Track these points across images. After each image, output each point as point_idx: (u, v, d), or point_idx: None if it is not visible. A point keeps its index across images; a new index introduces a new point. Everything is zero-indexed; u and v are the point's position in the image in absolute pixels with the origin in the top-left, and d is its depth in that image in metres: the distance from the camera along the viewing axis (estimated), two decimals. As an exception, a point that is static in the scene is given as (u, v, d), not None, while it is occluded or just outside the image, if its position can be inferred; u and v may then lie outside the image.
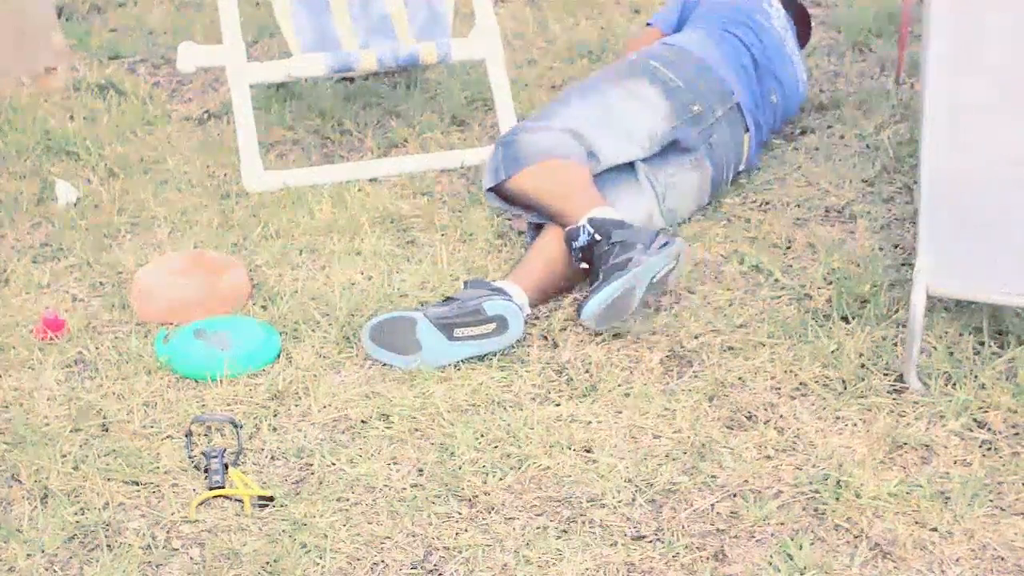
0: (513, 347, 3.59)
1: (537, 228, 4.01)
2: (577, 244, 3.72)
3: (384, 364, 3.55)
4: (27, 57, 5.29)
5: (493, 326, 3.54)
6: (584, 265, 3.74)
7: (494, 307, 3.54)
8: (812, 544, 2.89)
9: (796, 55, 4.72)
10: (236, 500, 3.08)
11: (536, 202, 3.91)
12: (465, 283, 3.72)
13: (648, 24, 4.96)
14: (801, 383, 3.43)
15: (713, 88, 4.27)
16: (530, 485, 3.11)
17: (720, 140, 4.23)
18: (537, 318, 3.72)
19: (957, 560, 2.86)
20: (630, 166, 4.06)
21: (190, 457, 3.23)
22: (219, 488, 3.10)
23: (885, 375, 3.44)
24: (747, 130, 4.35)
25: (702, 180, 4.19)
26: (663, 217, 4.09)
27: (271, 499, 3.08)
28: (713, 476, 3.12)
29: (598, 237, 3.69)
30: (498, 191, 4.03)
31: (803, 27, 4.97)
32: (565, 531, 2.97)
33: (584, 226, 3.71)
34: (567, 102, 4.13)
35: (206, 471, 3.16)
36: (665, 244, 3.65)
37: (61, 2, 6.07)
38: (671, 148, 4.13)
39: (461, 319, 3.52)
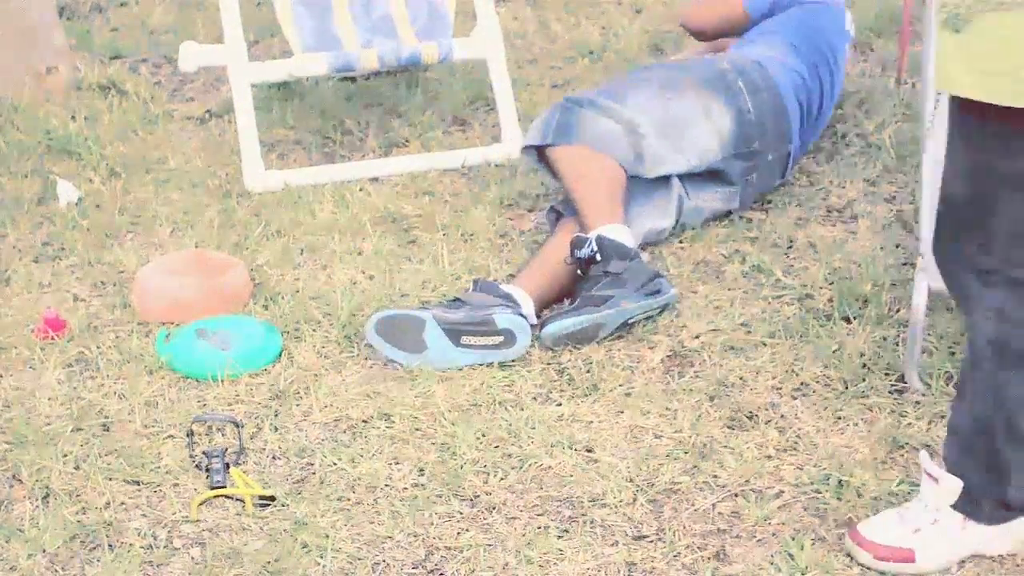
0: (514, 347, 3.60)
1: (556, 215, 3.99)
2: (579, 253, 3.72)
3: (385, 361, 3.55)
4: (29, 57, 5.29)
5: (501, 339, 3.53)
6: (580, 272, 3.74)
7: (504, 321, 3.53)
8: (813, 544, 2.89)
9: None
10: (237, 500, 3.09)
11: (565, 181, 3.91)
12: (475, 282, 3.70)
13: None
14: (802, 383, 3.43)
15: (778, 131, 4.22)
16: (531, 485, 3.11)
17: (758, 182, 4.21)
18: (539, 318, 3.72)
19: (958, 560, 2.85)
20: (665, 176, 4.06)
21: (191, 456, 3.23)
22: (220, 488, 3.11)
23: (886, 375, 3.44)
24: (782, 176, 4.32)
25: (722, 209, 4.20)
26: (671, 230, 4.08)
27: (272, 499, 3.08)
28: (714, 476, 3.12)
29: (599, 257, 3.69)
30: (539, 152, 4.05)
31: None
32: (566, 531, 2.97)
33: (591, 240, 3.71)
34: (641, 87, 4.10)
35: (207, 470, 3.16)
36: (656, 292, 3.65)
37: (63, 2, 6.07)
38: (712, 174, 4.13)
39: (470, 327, 3.51)
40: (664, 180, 4.05)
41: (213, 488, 3.11)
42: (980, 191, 2.57)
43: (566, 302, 3.76)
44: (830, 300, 3.75)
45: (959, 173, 2.59)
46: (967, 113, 2.54)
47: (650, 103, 4.05)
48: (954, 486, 2.77)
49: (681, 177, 4.08)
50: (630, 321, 3.62)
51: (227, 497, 3.10)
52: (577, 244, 3.73)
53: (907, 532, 2.80)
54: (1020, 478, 2.75)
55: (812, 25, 4.56)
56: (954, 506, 2.79)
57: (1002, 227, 2.57)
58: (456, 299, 3.64)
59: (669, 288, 3.69)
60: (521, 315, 3.58)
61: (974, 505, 2.79)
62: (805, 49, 4.44)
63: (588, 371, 3.51)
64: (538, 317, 3.70)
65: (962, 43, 2.47)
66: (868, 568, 2.82)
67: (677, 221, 4.09)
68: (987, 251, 2.59)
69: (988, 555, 2.83)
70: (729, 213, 4.22)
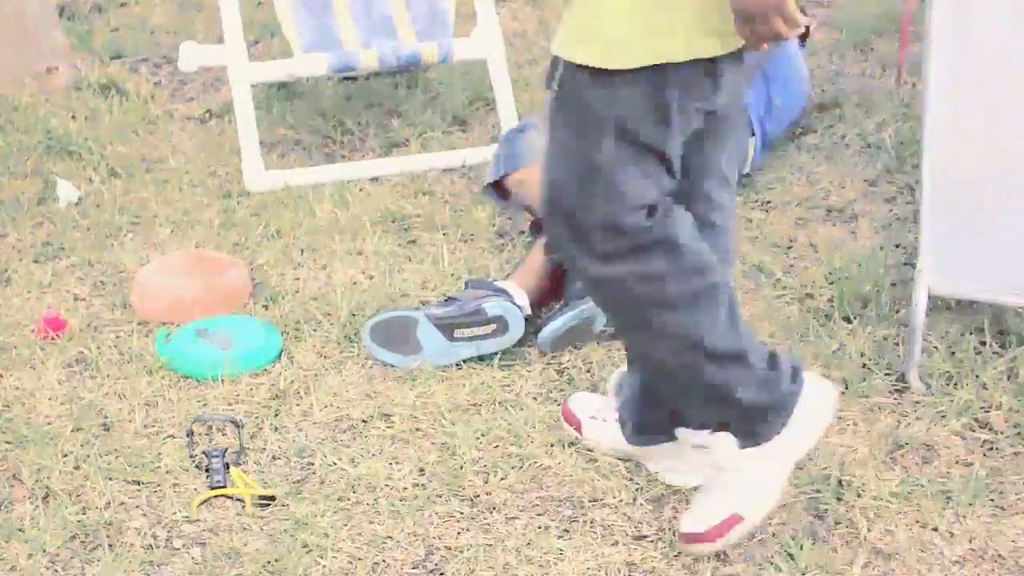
0: (514, 347, 3.59)
1: (536, 226, 4.01)
2: (556, 256, 3.72)
3: (385, 364, 3.55)
4: (28, 56, 5.29)
5: (493, 327, 3.54)
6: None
7: (494, 308, 3.54)
8: (813, 544, 2.89)
9: (798, 56, 4.71)
10: (237, 500, 3.09)
11: (530, 202, 3.92)
12: (467, 283, 3.72)
13: None
14: (802, 383, 3.43)
15: None
16: (531, 484, 3.11)
17: None
18: (538, 318, 3.72)
19: (958, 561, 2.86)
20: None
21: (191, 456, 3.23)
22: (220, 488, 3.10)
23: (887, 375, 3.44)
24: (752, 134, 4.34)
25: None
26: None
27: (272, 498, 3.08)
28: (714, 476, 3.12)
29: None
30: (497, 187, 4.05)
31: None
32: (566, 531, 2.97)
33: None
34: None
35: (207, 470, 3.16)
36: None
37: (62, 1, 6.07)
38: None
39: (461, 319, 3.51)
40: None
41: (213, 488, 3.11)
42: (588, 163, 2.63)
43: (555, 307, 3.76)
44: (830, 300, 3.75)
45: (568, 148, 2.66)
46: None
47: None
48: (725, 440, 2.81)
49: None
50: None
51: (227, 497, 3.10)
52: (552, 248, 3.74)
53: (726, 500, 2.83)
54: (749, 386, 2.76)
55: None
56: (741, 448, 2.82)
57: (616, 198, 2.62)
58: (449, 297, 3.65)
59: None
60: (513, 304, 3.58)
61: (747, 434, 2.80)
62: None
63: (588, 371, 3.51)
64: (534, 313, 3.69)
65: (567, 14, 2.58)
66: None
67: None
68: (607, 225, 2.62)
69: (798, 464, 2.91)
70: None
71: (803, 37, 4.93)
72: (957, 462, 3.15)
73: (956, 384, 3.38)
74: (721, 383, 2.75)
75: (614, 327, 3.00)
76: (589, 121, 2.61)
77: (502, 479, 3.13)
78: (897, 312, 3.67)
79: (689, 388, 2.80)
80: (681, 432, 2.92)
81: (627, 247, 2.64)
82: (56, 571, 2.90)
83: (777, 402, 2.78)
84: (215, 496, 3.10)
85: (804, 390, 2.81)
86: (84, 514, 3.05)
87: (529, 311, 3.67)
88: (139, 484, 3.15)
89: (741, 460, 2.81)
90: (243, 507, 3.07)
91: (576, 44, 2.59)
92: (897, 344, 3.54)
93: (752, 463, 2.81)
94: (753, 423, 2.79)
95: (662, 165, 2.64)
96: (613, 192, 2.61)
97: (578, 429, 3.22)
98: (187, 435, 3.28)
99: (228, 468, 3.16)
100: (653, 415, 3.00)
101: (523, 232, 4.18)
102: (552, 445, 3.23)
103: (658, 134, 2.60)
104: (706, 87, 2.62)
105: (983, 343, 3.50)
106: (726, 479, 2.83)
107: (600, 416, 3.20)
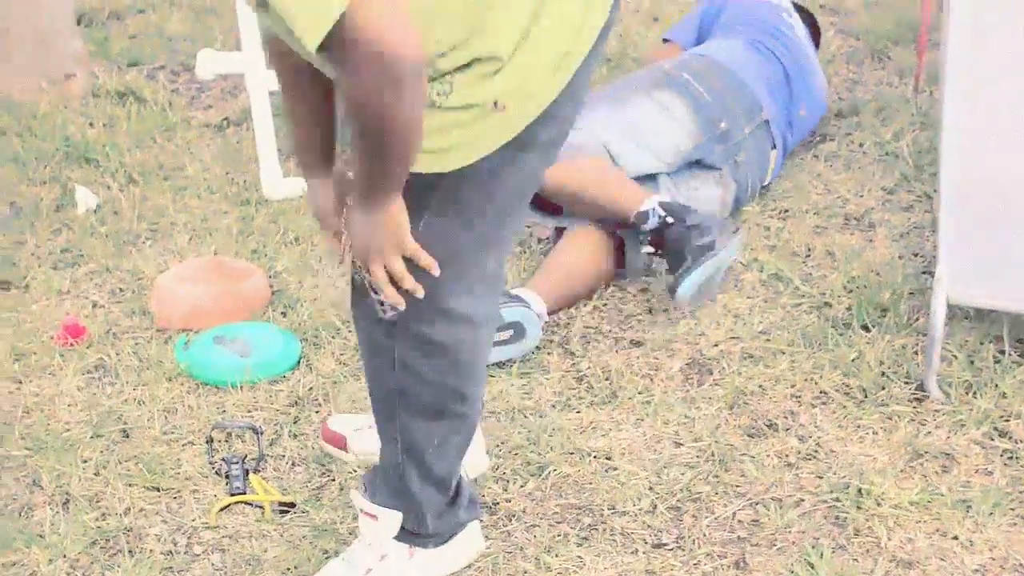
0: (533, 354, 3.59)
1: (558, 232, 4.01)
2: (647, 227, 3.72)
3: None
4: (47, 64, 5.30)
5: (510, 332, 3.54)
6: (649, 249, 3.75)
7: (511, 314, 3.54)
8: (833, 552, 2.89)
9: (818, 64, 4.71)
10: (257, 506, 3.09)
11: (579, 194, 3.85)
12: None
13: (665, 40, 4.92)
14: (821, 391, 3.43)
15: (742, 104, 4.25)
16: (551, 492, 3.11)
17: (747, 159, 4.21)
18: (556, 325, 3.72)
19: (979, 570, 2.86)
20: (651, 177, 4.05)
21: (211, 463, 3.23)
22: (240, 494, 3.11)
23: (906, 383, 3.44)
24: (774, 147, 4.34)
25: (725, 195, 4.16)
26: None
27: (292, 505, 3.08)
28: (734, 484, 3.12)
29: (670, 220, 3.69)
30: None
31: (814, 34, 4.94)
32: (586, 539, 2.97)
33: (655, 209, 3.71)
34: (594, 107, 4.08)
35: (227, 477, 3.16)
36: (736, 231, 3.70)
37: (80, 9, 6.08)
38: (696, 164, 4.12)
39: None
40: (648, 178, 4.05)
41: (233, 495, 3.11)
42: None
43: (589, 306, 3.76)
44: (849, 308, 3.74)
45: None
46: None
47: (604, 117, 4.05)
48: (393, 520, 2.79)
49: (668, 175, 4.09)
50: (728, 267, 3.72)
51: (247, 504, 3.10)
52: (641, 219, 3.73)
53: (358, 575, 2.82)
54: (434, 512, 2.79)
55: (733, 14, 4.70)
56: (397, 538, 2.81)
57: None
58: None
59: (739, 225, 3.72)
60: (529, 310, 3.58)
61: (413, 534, 2.81)
62: (740, 29, 4.59)
63: (607, 379, 3.51)
64: (551, 319, 3.70)
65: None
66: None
67: None
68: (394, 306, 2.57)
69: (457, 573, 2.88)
70: (739, 216, 4.21)
71: (816, 39, 4.92)
72: (977, 471, 3.15)
73: (975, 393, 3.37)
74: (416, 492, 2.77)
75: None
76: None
77: (522, 487, 3.13)
78: (915, 321, 3.66)
79: (387, 470, 2.80)
80: (354, 494, 2.88)
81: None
82: (76, 577, 2.91)
83: (447, 527, 2.83)
84: (235, 503, 3.11)
85: (472, 522, 2.88)
86: (104, 520, 3.06)
87: (546, 317, 3.67)
88: (159, 490, 3.16)
89: (393, 549, 2.82)
90: (262, 514, 3.07)
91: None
92: (916, 353, 3.54)
93: (400, 555, 2.82)
94: (418, 534, 2.82)
95: None
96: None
97: (342, 446, 3.23)
98: (206, 442, 3.28)
99: (248, 475, 3.17)
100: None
101: (540, 240, 4.18)
102: (571, 453, 3.23)
103: None
104: None
105: (1002, 352, 3.49)
106: (374, 557, 2.82)
107: (364, 427, 3.19)
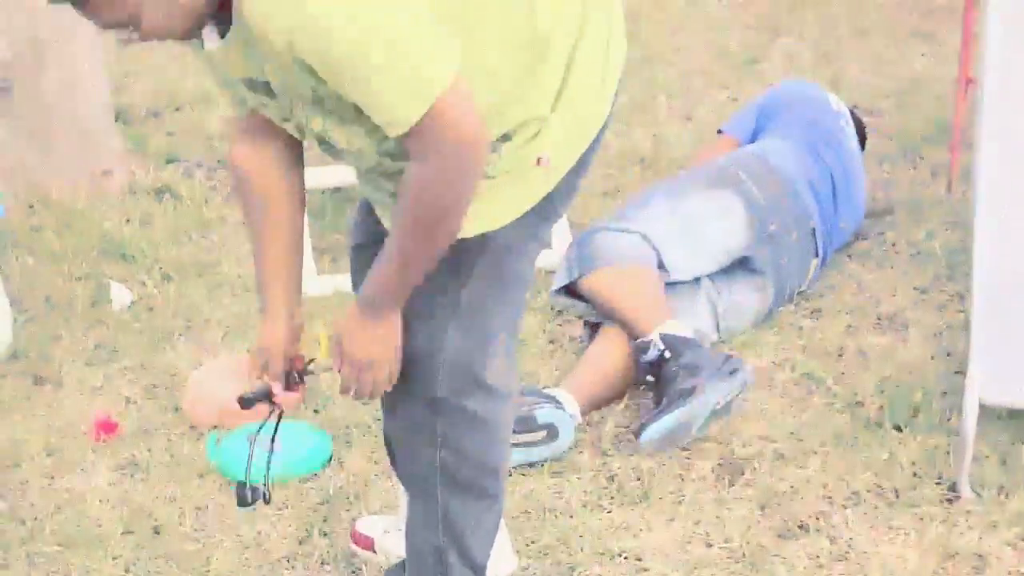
0: (564, 454, 3.59)
1: (592, 329, 4.01)
2: (646, 358, 3.72)
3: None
4: (86, 160, 5.35)
5: (544, 434, 3.54)
6: (649, 378, 3.74)
7: (545, 416, 3.53)
8: (865, 656, 2.87)
9: (863, 177, 4.71)
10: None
11: (607, 304, 3.89)
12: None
13: (720, 131, 4.93)
14: (853, 492, 3.41)
15: (794, 210, 4.26)
16: (580, 593, 3.10)
17: (789, 264, 4.21)
18: (589, 425, 3.72)
19: None
20: (695, 278, 4.06)
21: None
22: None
23: (937, 484, 3.42)
24: (816, 255, 4.34)
25: (762, 302, 4.18)
26: (718, 334, 4.08)
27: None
28: (765, 586, 3.11)
29: (668, 355, 3.68)
30: (568, 290, 4.04)
31: (861, 140, 4.93)
32: (615, 640, 2.96)
33: (655, 341, 3.71)
34: (647, 203, 4.10)
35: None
36: (733, 372, 3.64)
37: (119, 106, 6.14)
38: (740, 265, 4.13)
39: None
40: (692, 282, 4.06)
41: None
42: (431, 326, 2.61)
43: (620, 406, 3.76)
44: (881, 408, 3.73)
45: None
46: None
47: (659, 213, 4.07)
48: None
49: (712, 278, 4.10)
50: (717, 408, 3.61)
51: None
52: (641, 349, 3.73)
53: None
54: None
55: (794, 115, 4.67)
56: None
57: (448, 358, 2.59)
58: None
59: (744, 365, 3.68)
60: (564, 412, 3.58)
61: None
62: (797, 133, 4.56)
63: (638, 479, 3.50)
64: (585, 420, 3.69)
65: None
66: None
67: (718, 325, 4.08)
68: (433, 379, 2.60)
69: None
70: (772, 316, 4.21)
71: (862, 144, 4.91)
72: (1009, 573, 3.13)
73: (1008, 494, 3.36)
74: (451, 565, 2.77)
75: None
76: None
77: (551, 587, 3.12)
78: (948, 421, 3.65)
79: (423, 557, 2.80)
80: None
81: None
82: (104, 676, 2.91)
83: None
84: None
85: None
86: (133, 618, 3.06)
87: (580, 419, 3.67)
88: (188, 588, 3.16)
89: None
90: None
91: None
92: (948, 453, 3.52)
93: None
94: None
95: None
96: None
97: (370, 548, 3.23)
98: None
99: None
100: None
101: (574, 339, 4.18)
102: (602, 553, 3.22)
103: None
104: None
105: (1035, 453, 3.48)
106: None
107: (392, 529, 3.19)
